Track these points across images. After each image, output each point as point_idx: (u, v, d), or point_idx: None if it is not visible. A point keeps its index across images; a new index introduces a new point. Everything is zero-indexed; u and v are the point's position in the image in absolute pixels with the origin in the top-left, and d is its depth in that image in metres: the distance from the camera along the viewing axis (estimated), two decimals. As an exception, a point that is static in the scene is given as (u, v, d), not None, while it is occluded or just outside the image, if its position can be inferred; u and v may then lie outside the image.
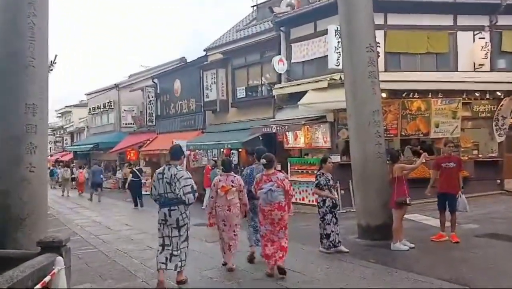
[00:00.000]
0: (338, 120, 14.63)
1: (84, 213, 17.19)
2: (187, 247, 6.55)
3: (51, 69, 13.93)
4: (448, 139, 11.53)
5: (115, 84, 33.33)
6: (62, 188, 27.30)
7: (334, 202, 8.26)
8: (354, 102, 8.95)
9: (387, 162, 9.07)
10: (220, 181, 7.38)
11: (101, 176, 23.45)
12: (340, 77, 14.36)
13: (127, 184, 19.93)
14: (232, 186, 7.30)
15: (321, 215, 8.24)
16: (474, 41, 15.39)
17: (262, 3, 21.37)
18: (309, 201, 15.24)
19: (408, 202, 8.21)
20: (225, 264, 7.39)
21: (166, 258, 6.34)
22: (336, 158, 14.40)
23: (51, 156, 50.57)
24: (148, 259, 8.30)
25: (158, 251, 6.45)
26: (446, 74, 14.90)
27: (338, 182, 14.22)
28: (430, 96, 14.47)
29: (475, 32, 15.42)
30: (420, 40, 15.19)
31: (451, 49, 15.43)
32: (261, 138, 16.84)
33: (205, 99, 21.14)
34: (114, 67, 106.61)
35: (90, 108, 38.38)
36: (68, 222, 14.43)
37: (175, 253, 6.36)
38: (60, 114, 55.72)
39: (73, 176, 28.99)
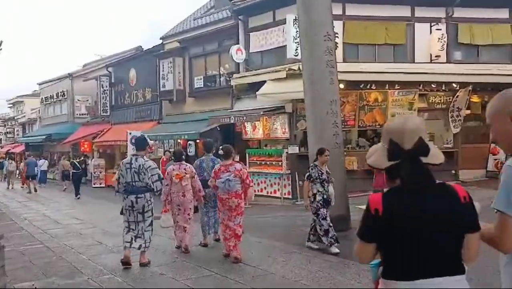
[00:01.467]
0: (297, 111, 14.46)
1: (33, 206, 16.44)
2: (151, 231, 7.06)
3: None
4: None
5: (68, 73, 32.09)
6: (7, 180, 26.78)
7: (324, 196, 7.62)
8: (312, 92, 8.76)
9: (344, 153, 8.96)
10: (173, 169, 7.90)
11: (36, 168, 24.04)
12: (299, 67, 14.08)
13: (70, 176, 20.82)
14: (185, 173, 7.86)
15: (314, 210, 7.66)
16: (431, 32, 15.49)
17: (220, -9, 20.89)
18: (268, 192, 15.08)
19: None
20: (178, 246, 7.97)
21: (132, 238, 6.90)
22: (294, 149, 14.29)
23: (2, 147, 48.65)
24: (96, 255, 7.88)
25: (124, 231, 6.97)
26: (403, 65, 14.96)
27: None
28: (387, 87, 14.48)
29: (432, 24, 15.51)
30: (378, 31, 15.18)
31: (408, 40, 15.49)
32: (219, 129, 16.51)
33: (162, 89, 20.57)
34: (68, 56, 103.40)
35: (42, 99, 36.93)
36: (16, 216, 13.71)
37: (139, 235, 6.92)
38: (11, 105, 53.47)
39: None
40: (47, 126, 35.65)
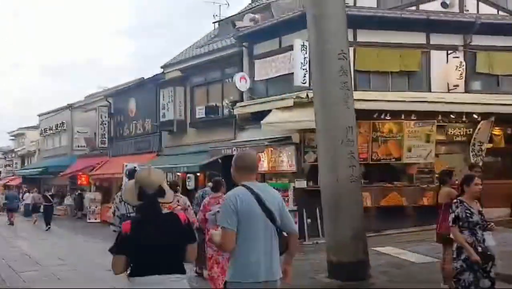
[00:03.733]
0: (305, 142, 13.33)
1: (16, 242, 15.16)
2: None
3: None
4: (475, 162, 10.16)
5: (68, 104, 31.37)
6: None
7: (482, 251, 4.99)
8: (324, 118, 7.64)
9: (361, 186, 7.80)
10: None
11: (17, 201, 25.56)
12: (307, 95, 13.17)
13: (42, 208, 21.86)
14: (178, 205, 7.63)
15: (455, 273, 5.18)
16: (447, 61, 14.53)
17: (224, 19, 20.17)
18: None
19: None
20: None
21: None
22: (301, 183, 13.12)
23: (0, 180, 47.61)
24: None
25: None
26: (419, 94, 13.94)
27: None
28: (402, 117, 13.37)
29: (449, 52, 14.56)
30: (392, 58, 14.20)
31: (424, 68, 14.52)
32: (220, 161, 15.34)
33: (162, 119, 19.56)
34: (73, 89, 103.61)
35: (41, 130, 36.18)
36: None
37: None
38: (13, 137, 52.78)
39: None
40: (46, 158, 34.90)
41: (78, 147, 29.99)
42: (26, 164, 42.32)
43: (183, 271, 3.29)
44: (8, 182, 42.69)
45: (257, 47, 15.81)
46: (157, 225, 3.24)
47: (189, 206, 8.00)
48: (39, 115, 37.86)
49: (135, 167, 7.65)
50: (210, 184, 7.34)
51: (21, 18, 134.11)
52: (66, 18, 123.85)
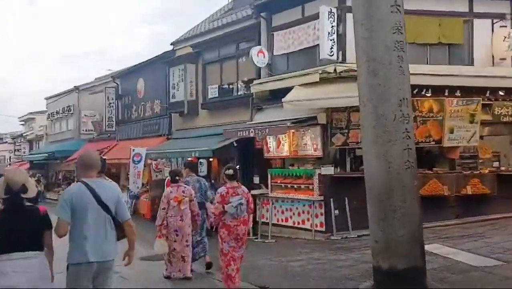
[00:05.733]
0: (332, 123, 11.72)
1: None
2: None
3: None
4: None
5: (74, 86, 30.00)
6: None
7: None
8: (372, 87, 6.03)
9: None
10: (171, 192, 7.76)
11: None
12: (335, 69, 11.61)
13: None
14: (184, 196, 7.70)
15: None
16: (493, 31, 12.85)
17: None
18: (294, 223, 12.32)
19: None
20: (167, 277, 7.71)
21: None
22: (328, 169, 11.58)
23: (9, 165, 46.67)
24: None
25: None
26: (461, 68, 12.28)
27: (331, 200, 11.42)
28: (446, 94, 11.72)
29: (494, 21, 12.87)
30: (430, 28, 12.49)
31: (465, 39, 12.81)
32: (235, 144, 13.85)
33: (171, 100, 18.08)
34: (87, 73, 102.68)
35: (49, 114, 34.99)
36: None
37: None
38: (23, 122, 51.77)
39: None
40: (53, 143, 33.74)
41: (86, 131, 28.76)
42: (34, 149, 41.27)
43: (41, 249, 4.24)
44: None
45: (276, 17, 14.17)
46: (20, 215, 4.19)
47: (194, 196, 7.87)
48: (46, 99, 36.60)
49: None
50: (229, 171, 6.68)
51: (37, 7, 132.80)
52: (79, 8, 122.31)
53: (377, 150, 6.03)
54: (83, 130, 28.94)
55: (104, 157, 7.93)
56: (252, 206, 6.77)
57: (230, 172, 6.63)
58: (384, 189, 6.01)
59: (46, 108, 36.69)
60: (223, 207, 6.40)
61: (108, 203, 4.36)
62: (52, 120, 34.72)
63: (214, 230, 7.09)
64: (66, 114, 31.23)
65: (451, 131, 11.93)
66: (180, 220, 7.58)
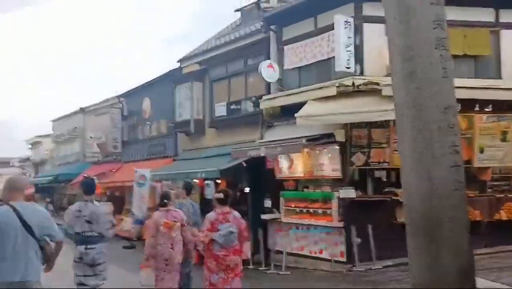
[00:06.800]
0: (352, 140, 10.72)
1: None
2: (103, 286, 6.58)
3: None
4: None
5: (80, 107, 29.39)
6: None
7: None
8: (411, 91, 5.02)
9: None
10: (160, 217, 7.17)
11: None
12: (353, 82, 10.70)
13: None
14: (175, 221, 7.14)
15: None
16: (522, 41, 11.91)
17: (247, 5, 17.71)
18: (311, 252, 11.21)
19: None
20: None
21: None
22: (349, 192, 10.51)
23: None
24: None
25: None
26: (489, 82, 11.32)
27: (352, 226, 10.33)
28: (477, 109, 10.72)
29: (523, 31, 11.94)
30: (455, 39, 11.48)
31: (493, 51, 11.86)
32: (245, 164, 12.87)
33: (177, 119, 17.21)
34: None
35: (54, 136, 34.48)
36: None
37: None
38: (30, 145, 51.44)
39: None
40: (58, 166, 33.25)
41: (91, 153, 28.08)
42: (39, 172, 40.75)
43: None
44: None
45: (287, 30, 13.34)
46: None
47: (186, 221, 7.28)
48: (53, 121, 36.10)
49: (89, 177, 7.10)
50: (219, 194, 6.43)
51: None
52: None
53: (418, 169, 4.98)
54: (88, 152, 28.33)
55: (92, 177, 7.25)
56: (245, 233, 6.44)
57: (220, 195, 6.33)
58: (427, 216, 4.95)
59: (52, 130, 36.21)
60: (210, 235, 6.06)
61: (32, 225, 4.49)
62: (57, 143, 34.21)
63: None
64: (72, 136, 30.66)
65: (482, 151, 10.90)
66: (170, 248, 6.97)
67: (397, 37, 5.12)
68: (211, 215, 6.25)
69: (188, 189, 8.57)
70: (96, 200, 6.58)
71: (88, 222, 6.24)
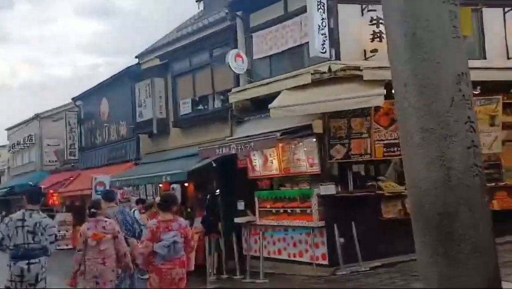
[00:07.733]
0: (330, 132, 9.75)
1: None
2: None
3: None
4: None
5: (35, 114, 27.66)
6: None
7: None
8: (416, 60, 3.96)
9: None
10: (88, 229, 6.34)
11: None
12: (329, 68, 9.75)
13: None
14: (105, 233, 6.31)
15: None
16: (505, 20, 11.28)
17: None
18: (290, 255, 10.16)
19: None
20: None
21: None
22: (329, 188, 9.54)
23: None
24: None
25: None
26: (473, 63, 10.53)
27: (335, 225, 9.34)
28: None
29: (506, 9, 11.31)
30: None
31: (475, 30, 11.13)
32: (214, 165, 11.74)
33: (138, 120, 15.94)
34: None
35: (10, 146, 32.52)
36: None
37: None
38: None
39: None
40: (15, 177, 31.34)
41: (49, 161, 26.58)
42: (-4, 185, 38.54)
43: None
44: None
45: (254, 16, 12.31)
46: None
47: (119, 232, 6.44)
48: (7, 130, 34.09)
49: (35, 185, 6.53)
50: (159, 199, 6.22)
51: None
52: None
53: (428, 151, 3.92)
54: (46, 161, 26.82)
55: (40, 186, 7.04)
56: (192, 243, 6.02)
57: (162, 200, 5.95)
58: (442, 208, 3.92)
59: (7, 140, 34.21)
60: (153, 246, 5.45)
61: None
62: (13, 153, 32.25)
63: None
64: (28, 144, 28.84)
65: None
66: (101, 264, 6.19)
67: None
68: (151, 223, 5.76)
69: (110, 198, 7.64)
70: (40, 211, 6.14)
71: (32, 233, 5.78)
